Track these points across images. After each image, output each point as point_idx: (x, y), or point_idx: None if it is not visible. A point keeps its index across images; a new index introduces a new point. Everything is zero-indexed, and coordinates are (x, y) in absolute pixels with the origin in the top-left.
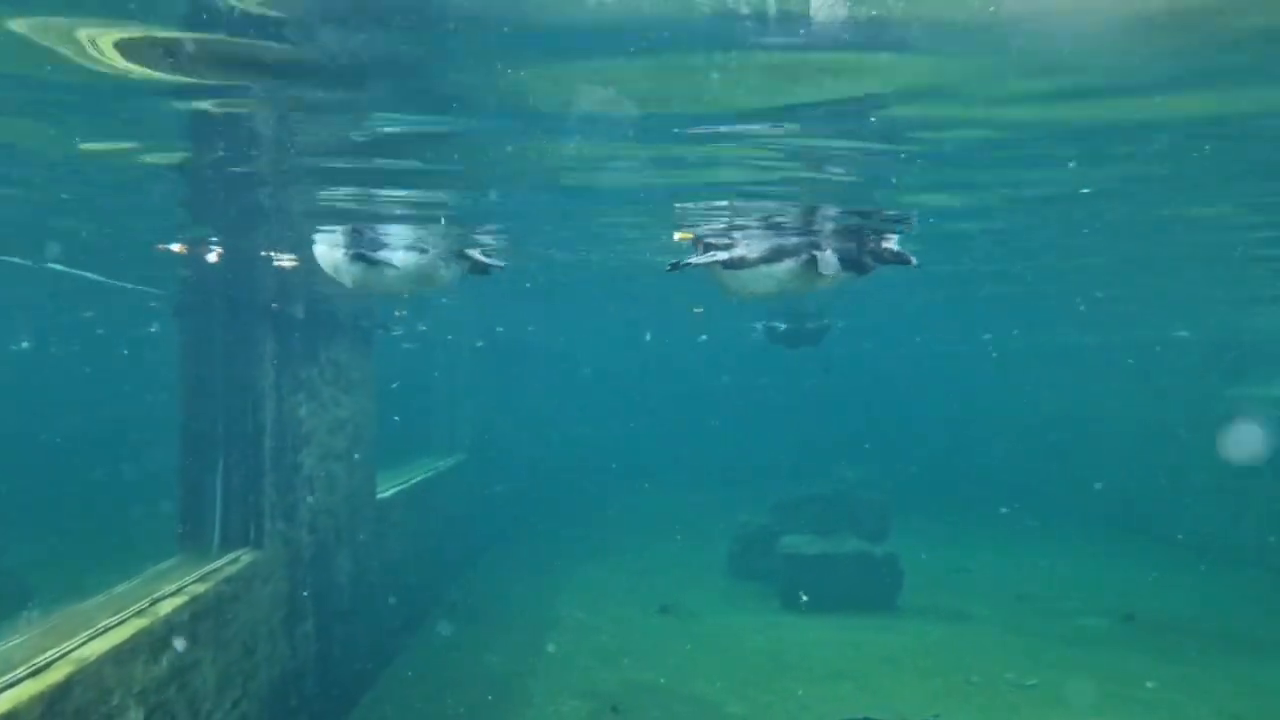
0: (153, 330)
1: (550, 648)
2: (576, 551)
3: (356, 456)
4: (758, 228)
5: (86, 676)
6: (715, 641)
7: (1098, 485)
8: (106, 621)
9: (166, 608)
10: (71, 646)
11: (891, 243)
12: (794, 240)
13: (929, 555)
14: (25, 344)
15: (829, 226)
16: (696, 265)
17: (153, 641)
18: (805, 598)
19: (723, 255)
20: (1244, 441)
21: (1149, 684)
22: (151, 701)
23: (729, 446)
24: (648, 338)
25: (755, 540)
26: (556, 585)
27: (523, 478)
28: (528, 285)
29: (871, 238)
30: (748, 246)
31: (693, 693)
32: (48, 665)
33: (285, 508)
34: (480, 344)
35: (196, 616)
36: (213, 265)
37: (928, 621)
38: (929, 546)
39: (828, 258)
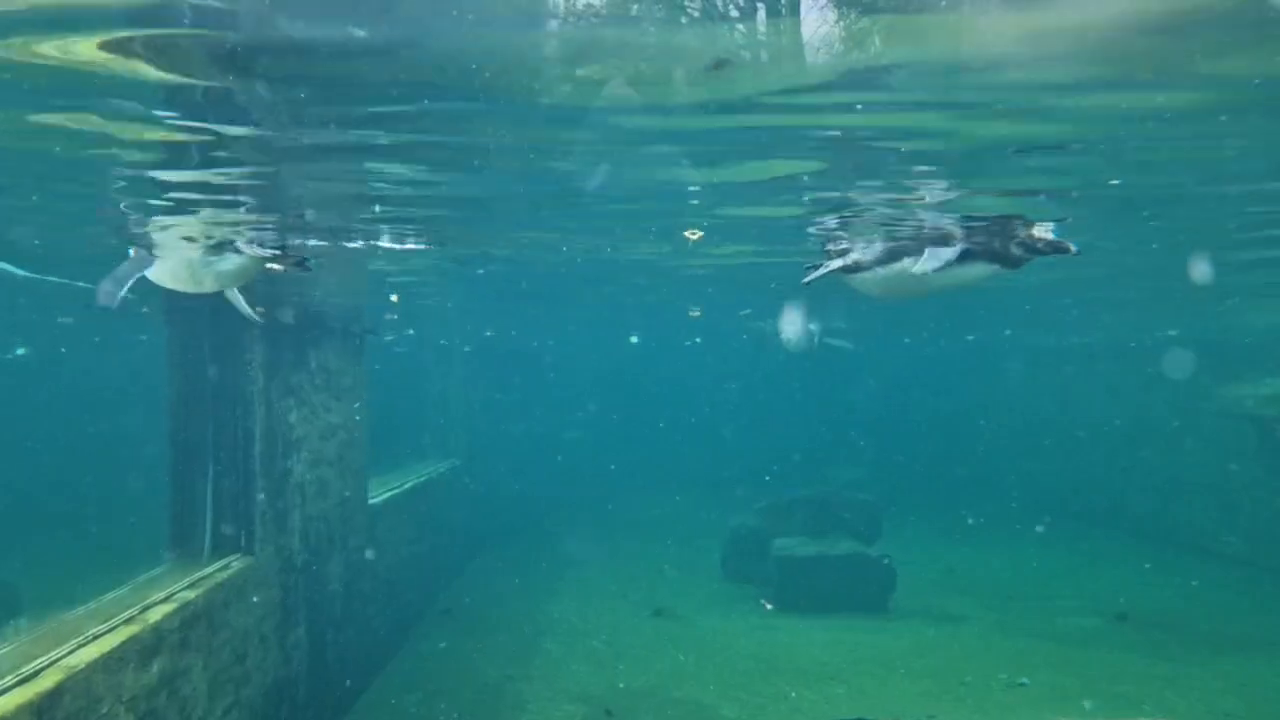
0: (142, 339)
1: (543, 651)
2: (569, 555)
3: (348, 462)
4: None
5: (76, 684)
6: (708, 644)
7: (1092, 487)
8: (96, 629)
9: (157, 615)
10: (61, 654)
11: (1046, 231)
12: (911, 240)
13: (921, 556)
14: (21, 350)
15: (946, 222)
16: (823, 275)
17: (143, 648)
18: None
19: (838, 263)
20: (1178, 365)
21: (1141, 682)
22: (142, 709)
23: (720, 449)
24: (634, 340)
25: (747, 543)
26: (549, 589)
27: (513, 481)
28: (522, 285)
29: (1021, 228)
30: (864, 250)
31: (686, 696)
32: (37, 673)
33: (276, 514)
34: (467, 348)
35: (187, 623)
36: None
37: (921, 622)
38: (921, 547)
39: (938, 253)
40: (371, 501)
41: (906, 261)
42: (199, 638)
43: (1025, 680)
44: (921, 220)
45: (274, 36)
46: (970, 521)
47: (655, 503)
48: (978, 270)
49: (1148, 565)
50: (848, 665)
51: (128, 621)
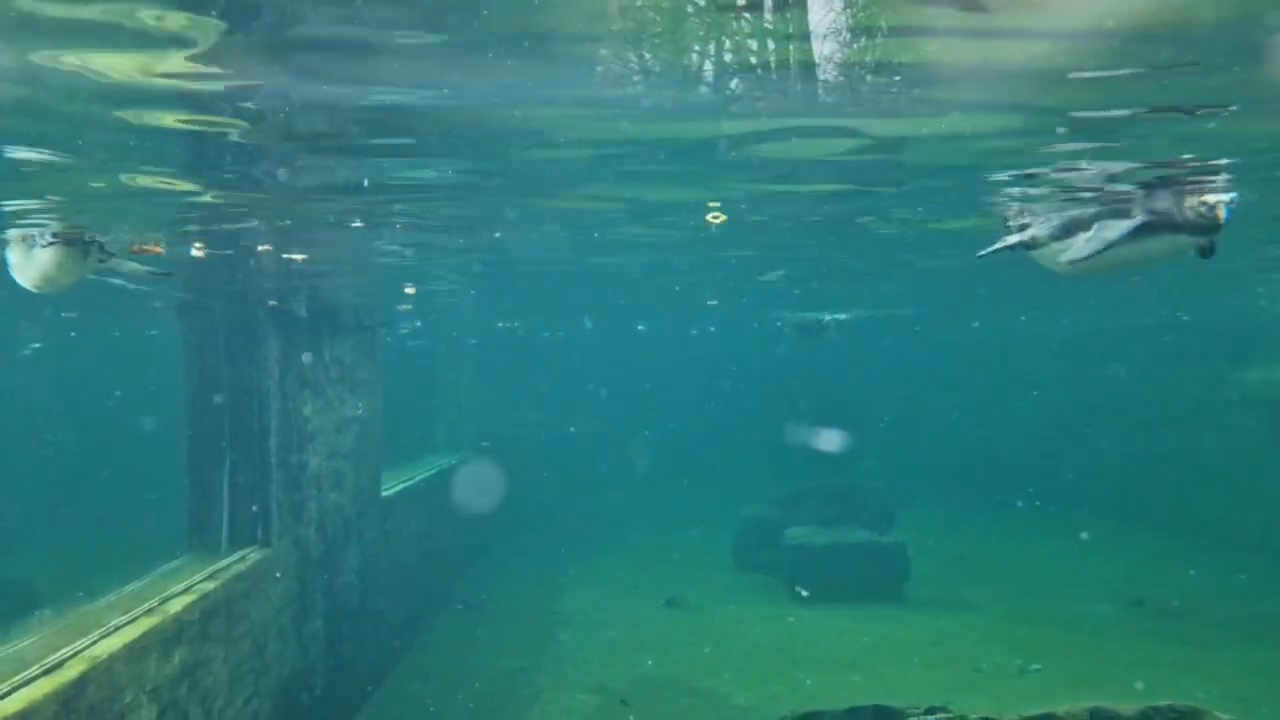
0: (153, 334)
1: (557, 642)
2: (582, 546)
3: (363, 455)
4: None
5: (99, 674)
6: (722, 634)
7: (1105, 472)
8: (118, 620)
9: (177, 606)
10: (84, 645)
11: (1217, 202)
12: (1090, 212)
13: (935, 544)
14: (36, 345)
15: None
16: (998, 250)
17: (164, 639)
18: (805, 593)
19: (1014, 239)
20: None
21: (1158, 669)
22: (164, 699)
23: (731, 439)
24: (640, 328)
25: (760, 532)
26: (562, 580)
27: (525, 472)
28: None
29: (1191, 195)
30: (1040, 226)
31: (700, 685)
32: (61, 664)
33: (292, 506)
34: (474, 341)
35: (207, 615)
36: (215, 265)
37: (935, 611)
38: (935, 536)
39: (1106, 227)
40: (385, 493)
41: (1081, 237)
42: (219, 629)
43: (1038, 666)
44: (1102, 189)
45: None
46: (985, 509)
47: (667, 493)
48: (1159, 244)
49: (1162, 552)
50: (863, 653)
51: (149, 613)
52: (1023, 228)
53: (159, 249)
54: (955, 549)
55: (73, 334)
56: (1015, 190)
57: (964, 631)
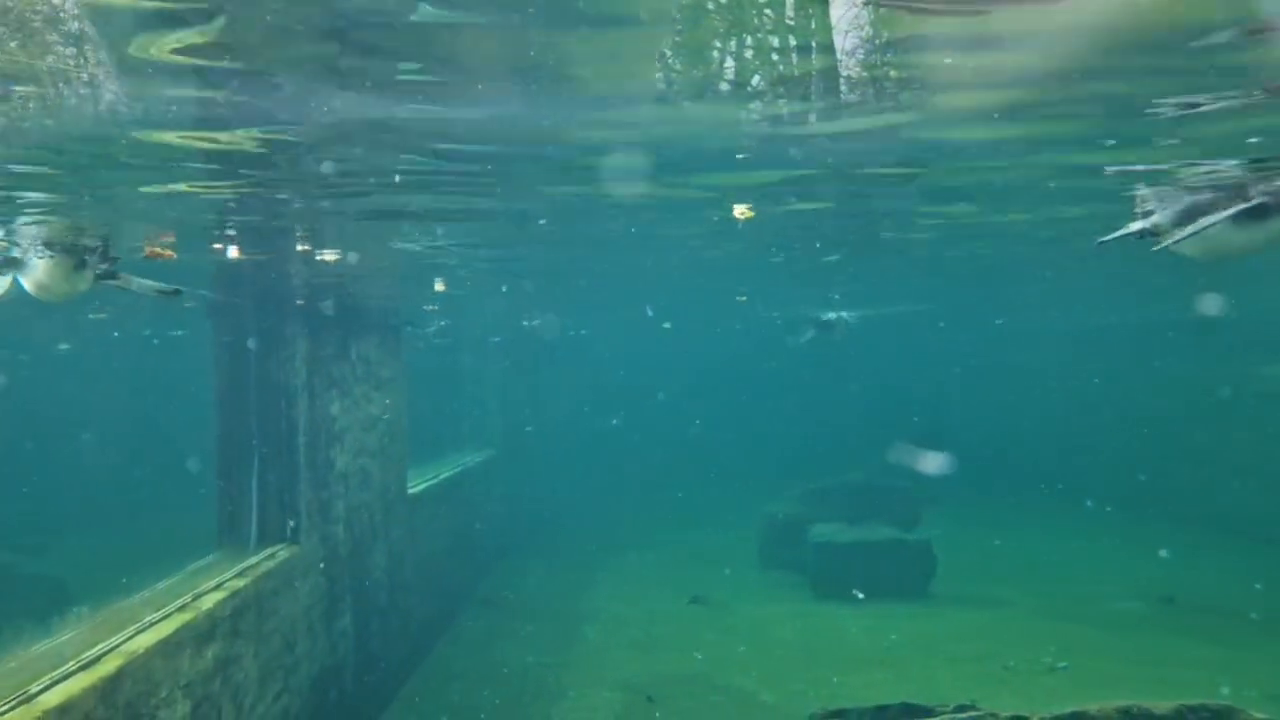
0: (178, 334)
1: (583, 640)
2: (607, 544)
3: (389, 453)
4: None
5: (136, 669)
6: (747, 631)
7: (1141, 473)
8: (152, 616)
9: (209, 602)
10: (120, 640)
11: None
12: (1209, 196)
13: (961, 541)
14: (64, 346)
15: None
16: (1122, 237)
17: (198, 635)
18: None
19: (1137, 225)
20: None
21: (1189, 667)
22: (198, 694)
23: (756, 436)
24: (666, 326)
25: (785, 530)
26: (587, 578)
27: (550, 470)
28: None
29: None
30: (1163, 211)
31: (727, 682)
32: (98, 658)
33: (320, 504)
34: (496, 339)
35: (238, 611)
36: (244, 264)
37: (962, 608)
38: (961, 532)
39: (1226, 209)
40: (412, 491)
41: (1202, 221)
42: (249, 625)
43: (1065, 664)
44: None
45: None
46: (1011, 506)
47: (691, 490)
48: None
49: (1192, 548)
50: (889, 651)
51: (182, 609)
52: (1147, 214)
53: (170, 254)
54: (983, 546)
55: (115, 334)
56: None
57: (991, 629)
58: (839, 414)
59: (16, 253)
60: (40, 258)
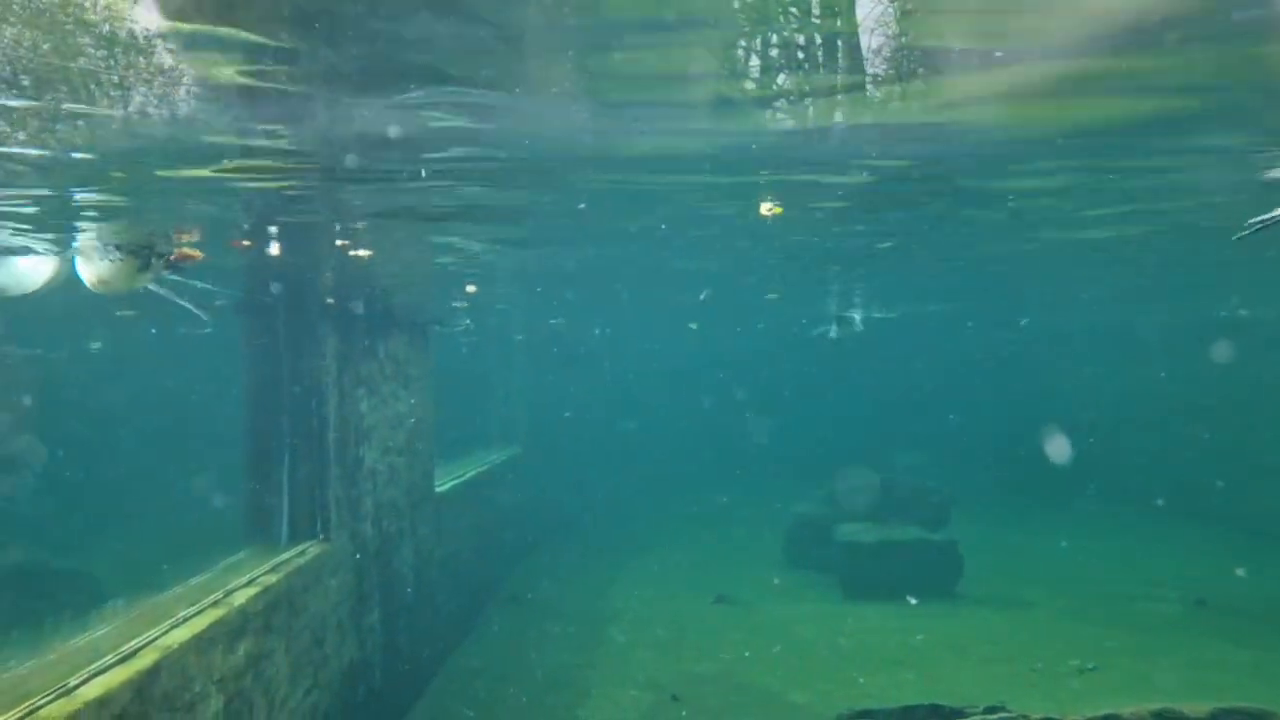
0: (206, 332)
1: (608, 638)
2: (632, 543)
3: (416, 450)
4: None
5: (171, 663)
6: (773, 631)
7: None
8: (186, 611)
9: (241, 598)
10: (156, 635)
11: None
12: None
13: (989, 541)
14: (96, 345)
15: None
16: (1267, 223)
17: (230, 630)
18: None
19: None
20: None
21: (1223, 670)
22: (230, 689)
23: (782, 436)
24: (693, 327)
25: (810, 530)
26: (613, 577)
27: (574, 469)
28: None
29: None
30: None
31: (753, 682)
32: (135, 653)
33: (350, 501)
34: (520, 337)
35: (270, 607)
36: (275, 263)
37: (989, 608)
38: (989, 533)
39: None
40: (438, 489)
41: None
42: (281, 621)
43: (1093, 665)
44: None
45: None
46: (1040, 507)
47: (715, 490)
48: None
49: (1224, 550)
50: (916, 651)
51: (214, 604)
52: None
53: (198, 254)
54: (1010, 546)
55: (153, 331)
56: None
57: (1020, 630)
58: (866, 413)
59: (77, 246)
60: (109, 259)
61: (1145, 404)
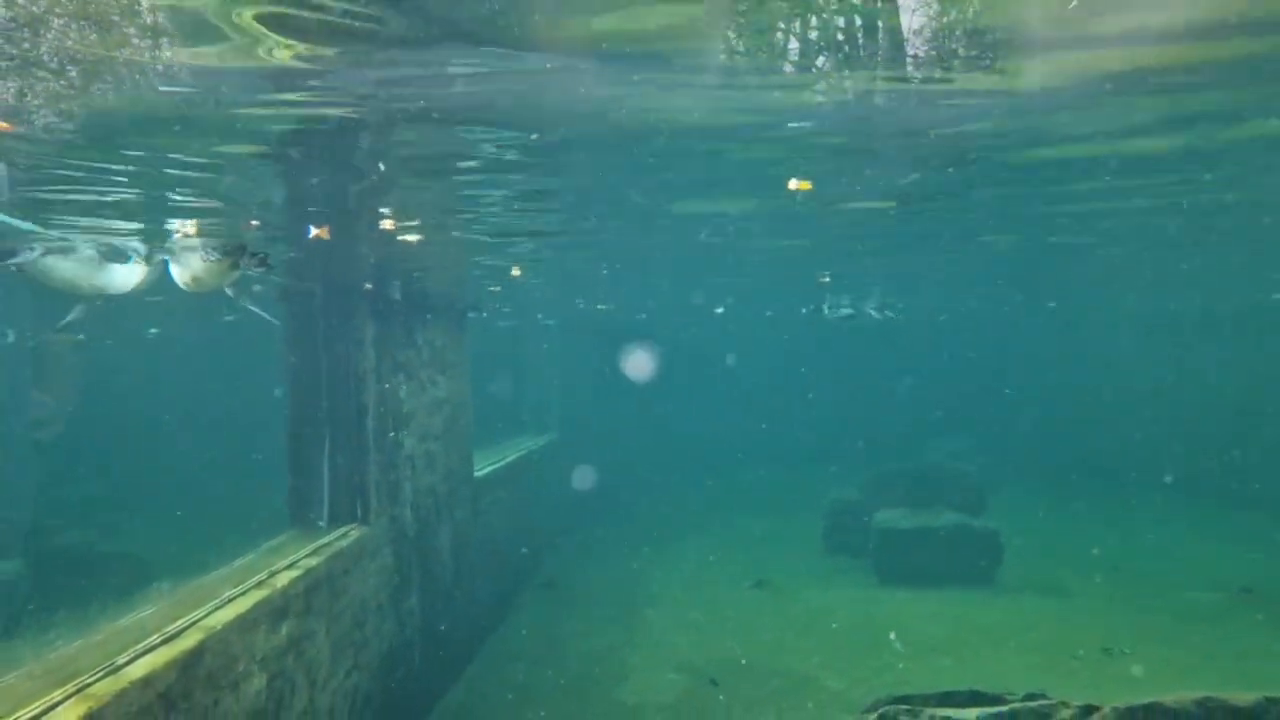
0: (228, 319)
1: (644, 622)
2: (668, 528)
3: (454, 436)
4: None
5: (215, 643)
6: (810, 616)
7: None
8: (230, 592)
9: (284, 580)
10: (200, 615)
11: None
12: None
13: (1029, 528)
14: (153, 331)
15: None
16: None
17: (273, 611)
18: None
19: None
20: None
21: (1270, 659)
22: (273, 669)
23: (819, 423)
24: (719, 311)
25: (848, 515)
26: (649, 561)
27: (610, 454)
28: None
29: None
30: None
31: (789, 667)
32: (179, 633)
33: (389, 486)
34: (551, 322)
35: (311, 589)
36: (317, 249)
37: (1029, 595)
38: (1029, 519)
39: None
40: (476, 474)
41: None
42: (322, 603)
43: (1128, 651)
44: None
45: None
46: (1080, 493)
47: (753, 476)
48: None
49: (1269, 538)
50: (954, 638)
51: (258, 585)
52: None
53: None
54: (1051, 532)
55: (229, 318)
56: None
57: (1060, 617)
58: (904, 400)
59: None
60: (207, 259)
61: (1190, 391)
